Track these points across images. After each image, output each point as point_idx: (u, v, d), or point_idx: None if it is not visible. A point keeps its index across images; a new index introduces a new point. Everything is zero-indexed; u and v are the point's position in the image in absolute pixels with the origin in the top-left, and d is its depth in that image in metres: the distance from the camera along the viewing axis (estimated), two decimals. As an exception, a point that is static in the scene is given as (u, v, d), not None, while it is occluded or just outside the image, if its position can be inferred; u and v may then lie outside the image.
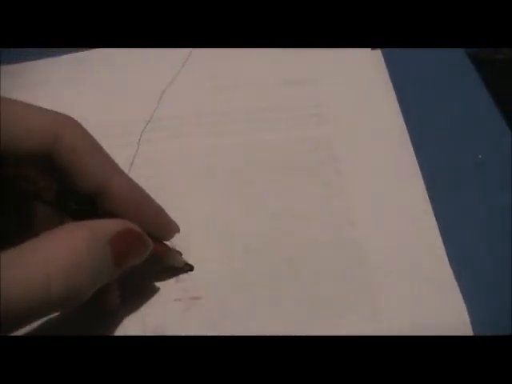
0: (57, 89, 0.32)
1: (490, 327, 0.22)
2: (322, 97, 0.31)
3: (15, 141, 0.18)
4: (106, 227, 0.19)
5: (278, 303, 0.23)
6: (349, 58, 0.32)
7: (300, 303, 0.23)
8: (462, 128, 0.29)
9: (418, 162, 0.27)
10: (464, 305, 0.23)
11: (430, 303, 0.23)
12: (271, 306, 0.23)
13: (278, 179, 0.27)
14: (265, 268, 0.24)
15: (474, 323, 0.22)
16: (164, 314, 0.23)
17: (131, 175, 0.21)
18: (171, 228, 0.23)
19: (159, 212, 0.22)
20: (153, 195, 0.22)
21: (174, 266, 0.24)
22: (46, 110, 0.19)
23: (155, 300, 0.23)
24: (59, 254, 0.17)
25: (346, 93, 0.31)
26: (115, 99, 0.31)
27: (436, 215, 0.25)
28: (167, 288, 0.24)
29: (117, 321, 0.23)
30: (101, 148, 0.20)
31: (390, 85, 0.30)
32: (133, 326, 0.23)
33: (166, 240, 0.23)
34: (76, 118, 0.20)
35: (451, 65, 0.31)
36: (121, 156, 0.20)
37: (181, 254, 0.24)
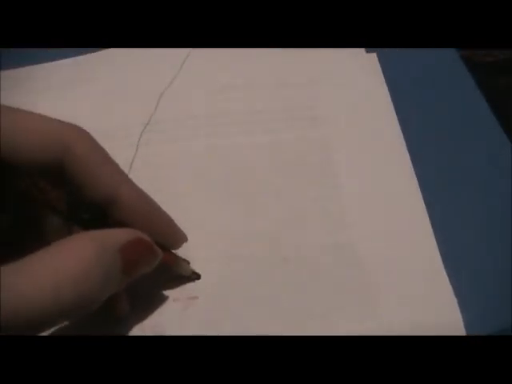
0: (56, 93, 0.32)
1: (483, 327, 0.22)
2: (318, 98, 0.31)
3: (27, 151, 0.18)
4: (116, 236, 0.19)
5: (276, 303, 0.23)
6: (343, 58, 0.32)
7: (296, 303, 0.23)
8: (455, 128, 0.29)
9: (413, 163, 0.27)
10: (457, 305, 0.23)
11: (423, 303, 0.23)
12: (269, 306, 0.23)
13: (276, 181, 0.27)
14: (262, 268, 0.24)
15: (466, 323, 0.22)
16: (162, 313, 0.23)
17: (130, 177, 0.21)
18: (179, 237, 0.23)
19: (168, 222, 0.22)
20: (152, 197, 0.22)
21: (182, 275, 0.24)
22: (57, 120, 0.19)
23: (155, 300, 0.24)
24: (69, 264, 0.17)
25: (341, 93, 0.31)
26: (114, 102, 0.32)
27: (430, 216, 0.25)
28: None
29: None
30: (111, 158, 0.20)
31: (384, 85, 0.31)
32: (131, 325, 0.23)
33: (174, 249, 0.23)
34: (75, 122, 0.20)
35: (445, 65, 0.32)
36: (120, 158, 0.20)
37: (188, 263, 0.24)
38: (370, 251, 0.25)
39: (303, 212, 0.26)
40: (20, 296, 0.15)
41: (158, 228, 0.21)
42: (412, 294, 0.23)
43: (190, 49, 0.33)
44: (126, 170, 0.20)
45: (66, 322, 0.19)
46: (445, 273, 0.24)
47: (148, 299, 0.24)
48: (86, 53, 0.34)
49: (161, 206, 0.22)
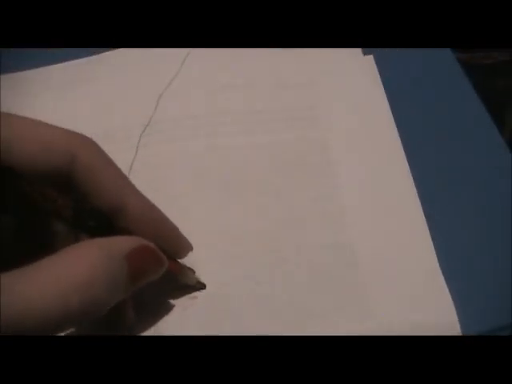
0: (55, 94, 0.32)
1: (479, 327, 0.22)
2: (316, 98, 0.31)
3: (33, 160, 0.18)
4: (122, 244, 0.19)
5: (274, 303, 0.23)
6: (341, 58, 0.32)
7: (295, 303, 0.23)
8: (452, 129, 0.29)
9: (409, 163, 0.28)
10: (453, 305, 0.23)
11: (420, 303, 0.23)
12: (268, 306, 0.23)
13: (275, 181, 0.28)
14: (261, 268, 0.24)
15: (462, 323, 0.22)
16: (167, 321, 0.23)
17: (130, 178, 0.21)
18: (185, 246, 0.23)
19: (173, 230, 0.22)
20: (152, 198, 0.22)
21: (187, 284, 0.24)
22: (63, 128, 0.19)
23: (160, 310, 0.24)
24: (76, 271, 0.17)
25: (339, 94, 0.31)
26: (113, 103, 0.32)
27: (427, 217, 0.26)
28: None
29: None
30: (116, 167, 0.20)
31: (381, 86, 0.31)
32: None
33: (179, 258, 0.23)
34: (74, 123, 0.20)
35: (441, 66, 0.32)
36: (120, 160, 0.20)
37: (194, 272, 0.24)
38: (368, 251, 0.25)
39: (302, 212, 0.26)
40: (27, 303, 0.15)
41: (164, 236, 0.22)
42: (409, 294, 0.23)
43: (190, 49, 0.33)
44: (125, 171, 0.20)
45: (71, 329, 0.19)
46: (441, 273, 0.24)
47: (153, 308, 0.24)
48: (84, 55, 0.35)
49: (161, 206, 0.22)
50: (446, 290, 0.23)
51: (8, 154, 0.17)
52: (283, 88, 0.32)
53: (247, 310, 0.23)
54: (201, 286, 0.24)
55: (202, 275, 0.24)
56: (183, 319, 0.23)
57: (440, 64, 0.32)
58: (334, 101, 0.31)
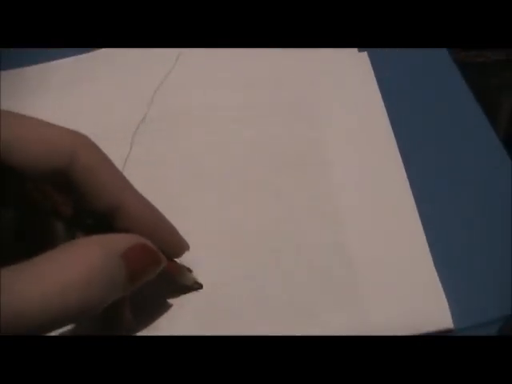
0: (51, 93, 0.33)
1: (471, 320, 0.23)
2: (311, 97, 0.31)
3: (31, 158, 0.18)
4: (120, 242, 0.19)
5: (268, 301, 0.24)
6: (336, 58, 0.33)
7: (289, 301, 0.24)
8: (446, 128, 0.29)
9: (404, 162, 0.28)
10: (445, 300, 0.23)
11: (413, 300, 0.23)
12: (261, 303, 0.24)
13: (271, 179, 0.28)
14: (256, 267, 0.25)
15: (455, 317, 0.23)
16: (165, 322, 0.23)
17: (125, 175, 0.21)
18: (181, 246, 0.23)
19: (171, 230, 0.22)
20: (146, 196, 0.22)
21: (184, 284, 0.24)
22: (62, 127, 0.19)
23: (157, 310, 0.24)
24: (74, 268, 0.17)
25: (333, 92, 0.31)
26: (107, 101, 0.32)
27: (421, 215, 0.26)
28: None
29: None
30: (115, 167, 0.21)
31: (374, 82, 0.31)
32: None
33: (176, 257, 0.23)
34: (69, 121, 0.20)
35: (436, 64, 0.32)
36: (114, 157, 0.21)
37: (191, 272, 0.24)
38: (363, 250, 0.25)
39: (299, 211, 0.27)
40: (26, 301, 0.15)
41: (161, 236, 0.22)
42: (402, 291, 0.24)
43: (187, 48, 0.34)
44: (119, 168, 0.21)
45: (68, 327, 0.19)
46: (434, 269, 0.24)
47: (150, 308, 0.24)
48: (79, 53, 0.35)
49: (155, 203, 0.22)
50: (441, 288, 0.23)
51: (8, 153, 0.18)
52: (279, 86, 0.32)
53: (246, 310, 0.23)
54: (198, 286, 0.24)
55: (198, 274, 0.24)
56: (181, 319, 0.23)
57: (435, 62, 0.32)
58: (329, 100, 0.31)
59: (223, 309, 0.24)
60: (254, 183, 0.28)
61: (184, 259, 0.24)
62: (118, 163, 0.20)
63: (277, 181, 0.28)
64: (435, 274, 0.24)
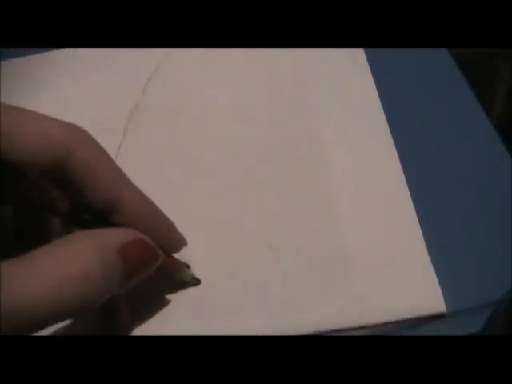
0: (41, 83, 0.32)
1: (463, 304, 0.23)
2: (305, 88, 0.31)
3: (27, 152, 0.18)
4: (116, 236, 0.19)
5: (262, 292, 0.24)
6: (333, 57, 0.32)
7: (282, 292, 0.24)
8: (443, 126, 0.29)
9: (397, 152, 0.28)
10: (438, 285, 0.23)
11: (405, 284, 0.23)
12: (255, 294, 0.24)
13: (264, 169, 0.28)
14: (249, 257, 0.25)
15: (447, 303, 0.23)
16: (163, 318, 0.23)
17: (118, 164, 0.21)
18: (179, 241, 0.23)
19: (168, 225, 0.22)
20: (139, 185, 0.21)
21: (182, 280, 0.24)
22: (59, 120, 0.19)
23: (155, 306, 0.24)
24: (70, 263, 0.17)
25: (326, 84, 0.31)
26: (100, 89, 0.32)
27: (415, 203, 0.26)
28: None
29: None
30: (113, 161, 0.20)
31: (369, 74, 0.31)
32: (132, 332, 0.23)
33: (173, 253, 0.23)
34: (63, 110, 0.20)
35: (435, 64, 0.32)
36: (107, 145, 0.20)
37: (189, 267, 0.24)
38: (357, 240, 0.25)
39: (290, 201, 0.27)
40: (21, 295, 0.15)
41: (159, 231, 0.21)
42: (395, 276, 0.24)
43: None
44: (112, 156, 0.20)
45: (65, 322, 0.19)
46: (427, 254, 0.24)
47: (147, 305, 0.24)
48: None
49: (147, 193, 0.22)
50: (433, 272, 0.24)
51: (3, 147, 0.17)
52: (271, 77, 0.32)
53: (243, 305, 0.23)
54: (196, 282, 0.24)
55: (194, 269, 0.24)
56: (178, 315, 0.23)
57: (434, 61, 0.32)
58: (322, 91, 0.31)
59: (220, 304, 0.24)
60: (244, 173, 0.28)
61: (180, 254, 0.24)
62: (109, 151, 0.20)
63: (269, 170, 0.28)
64: (428, 258, 0.24)
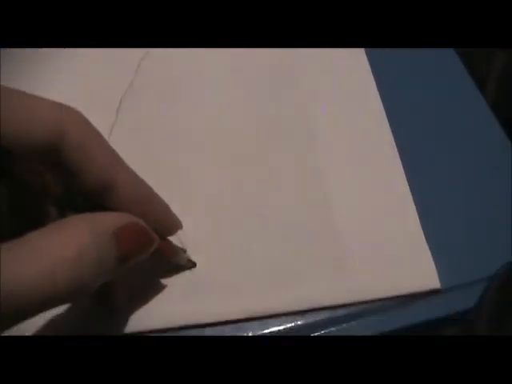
0: (36, 63, 0.32)
1: (456, 279, 0.23)
2: (299, 62, 0.31)
3: (22, 134, 0.17)
4: (111, 220, 0.18)
5: (250, 262, 0.24)
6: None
7: (271, 263, 0.24)
8: (446, 126, 0.29)
9: (391, 125, 0.28)
10: (432, 260, 0.24)
11: (400, 261, 0.24)
12: (243, 265, 0.24)
13: (254, 140, 0.28)
14: (238, 227, 0.25)
15: (441, 278, 0.23)
16: (159, 302, 0.23)
17: (111, 143, 0.20)
18: (174, 224, 0.23)
19: (164, 208, 0.22)
20: (132, 166, 0.21)
21: (177, 263, 0.24)
22: (53, 102, 0.19)
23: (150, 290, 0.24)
24: (64, 246, 0.16)
25: (321, 62, 0.31)
26: (93, 68, 0.31)
27: (408, 177, 0.26)
28: None
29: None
30: (107, 143, 0.20)
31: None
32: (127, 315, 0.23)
33: (168, 236, 0.23)
34: (53, 90, 0.19)
35: (437, 63, 0.31)
36: (100, 125, 0.20)
37: (185, 251, 0.24)
38: (345, 210, 0.25)
39: (280, 169, 0.27)
40: (14, 278, 0.15)
41: (154, 214, 0.21)
42: (390, 252, 0.24)
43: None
44: (105, 135, 0.20)
45: (59, 307, 0.19)
46: (421, 230, 0.24)
47: (143, 289, 0.23)
48: None
49: (141, 170, 0.21)
50: (427, 249, 0.24)
51: None
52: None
53: (221, 268, 0.24)
54: (192, 265, 0.24)
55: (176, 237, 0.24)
56: (171, 296, 0.23)
57: (436, 57, 0.31)
58: (314, 63, 0.31)
59: (210, 280, 0.24)
60: (235, 146, 0.28)
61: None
62: (103, 130, 0.20)
63: (259, 142, 0.28)
64: (422, 235, 0.24)
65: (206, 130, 0.28)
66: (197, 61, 0.31)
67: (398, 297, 0.23)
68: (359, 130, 0.28)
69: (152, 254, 0.20)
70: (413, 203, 0.25)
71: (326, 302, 0.23)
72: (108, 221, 0.18)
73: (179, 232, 0.23)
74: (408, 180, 0.26)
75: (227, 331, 0.23)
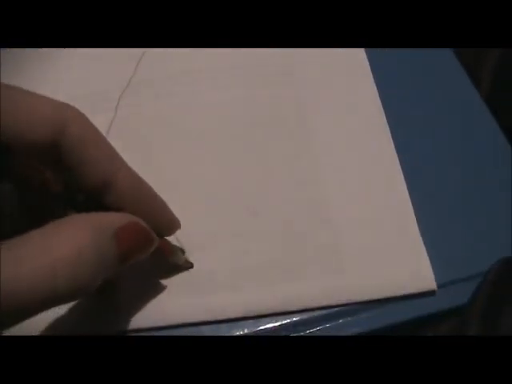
0: (35, 60, 0.32)
1: (452, 275, 0.24)
2: (293, 57, 0.31)
3: (23, 131, 0.17)
4: (112, 220, 0.18)
5: (246, 258, 0.24)
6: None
7: (268, 258, 0.24)
8: (444, 126, 0.29)
9: (387, 118, 0.28)
10: (427, 257, 0.24)
11: (394, 257, 0.24)
12: (239, 261, 0.24)
13: (251, 138, 0.28)
14: (233, 223, 0.25)
15: (436, 275, 0.23)
16: (156, 302, 0.23)
17: (109, 139, 0.20)
18: (173, 224, 0.23)
19: (163, 207, 0.22)
20: (130, 160, 0.21)
21: (175, 263, 0.23)
22: (53, 100, 0.19)
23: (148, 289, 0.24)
24: (64, 246, 0.16)
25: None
26: (92, 67, 0.31)
27: (404, 171, 0.26)
28: None
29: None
30: (106, 141, 0.20)
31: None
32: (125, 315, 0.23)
33: (167, 235, 0.23)
34: (56, 88, 0.19)
35: (436, 63, 0.32)
36: (99, 121, 0.20)
37: (183, 252, 0.24)
38: (342, 207, 0.25)
39: (277, 167, 0.27)
40: (14, 278, 0.15)
41: (153, 213, 0.21)
42: (386, 253, 0.24)
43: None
44: (104, 132, 0.20)
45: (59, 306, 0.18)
46: (416, 226, 0.25)
47: (141, 287, 0.23)
48: None
49: (139, 167, 0.21)
50: (424, 250, 0.24)
51: None
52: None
53: (222, 266, 0.24)
54: (189, 266, 0.24)
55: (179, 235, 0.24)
56: (169, 294, 0.23)
57: (434, 57, 0.32)
58: (309, 60, 0.31)
59: (208, 279, 0.24)
60: (233, 141, 0.28)
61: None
62: (101, 127, 0.20)
63: (256, 138, 0.28)
64: (419, 235, 0.24)
65: (204, 129, 0.28)
66: (196, 60, 0.31)
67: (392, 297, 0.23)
68: (357, 130, 0.28)
69: (151, 253, 0.20)
70: (410, 204, 0.25)
71: (323, 302, 0.23)
72: (108, 221, 0.18)
73: (177, 231, 0.23)
74: (405, 178, 0.26)
75: (223, 328, 0.23)
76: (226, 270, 0.24)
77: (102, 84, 0.30)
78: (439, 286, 0.23)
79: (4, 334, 0.16)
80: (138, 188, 0.21)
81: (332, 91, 0.29)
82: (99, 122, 0.20)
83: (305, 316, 0.23)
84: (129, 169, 0.20)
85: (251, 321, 0.23)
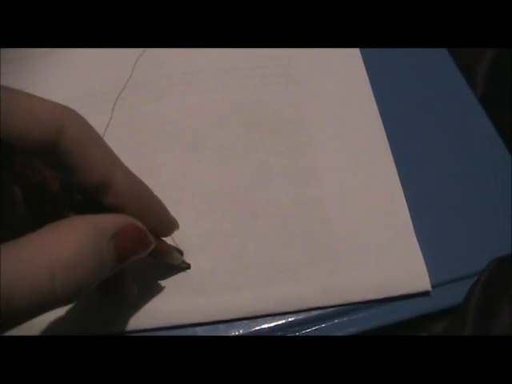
0: (33, 61, 0.32)
1: (446, 275, 0.24)
2: (291, 58, 0.31)
3: (22, 132, 0.18)
4: (110, 222, 0.19)
5: (244, 258, 0.24)
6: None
7: (265, 258, 0.24)
8: (440, 126, 0.29)
9: (384, 123, 0.28)
10: (422, 258, 0.24)
11: (390, 257, 0.24)
12: (237, 261, 0.24)
13: (248, 138, 0.28)
14: (231, 223, 0.25)
15: (431, 275, 0.24)
16: (153, 303, 0.23)
17: (106, 140, 0.20)
18: (171, 225, 0.23)
19: (161, 208, 0.22)
20: (127, 160, 0.21)
21: (171, 263, 0.24)
22: (51, 101, 0.19)
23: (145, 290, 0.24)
24: (63, 248, 0.17)
25: (315, 55, 0.31)
26: (89, 69, 0.31)
27: (399, 170, 0.27)
28: None
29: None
30: (104, 142, 0.20)
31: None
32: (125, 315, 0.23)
33: (165, 236, 0.23)
34: (53, 90, 0.19)
35: (432, 63, 0.32)
36: (96, 123, 0.20)
37: (181, 253, 0.24)
38: (339, 207, 0.25)
39: (274, 167, 0.27)
40: (15, 280, 0.15)
41: (151, 214, 0.21)
42: (381, 254, 0.24)
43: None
44: (100, 133, 0.20)
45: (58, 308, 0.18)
46: (412, 227, 0.25)
47: (139, 287, 0.23)
48: None
49: (136, 168, 0.21)
50: (418, 248, 0.24)
51: None
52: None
53: (216, 265, 0.24)
54: (186, 266, 0.24)
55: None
56: (166, 294, 0.24)
57: (430, 57, 0.32)
58: (308, 62, 0.31)
59: (205, 280, 0.24)
60: (231, 141, 0.28)
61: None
62: (98, 128, 0.20)
63: (253, 138, 0.28)
64: (414, 237, 0.25)
65: (201, 129, 0.28)
66: (193, 61, 0.31)
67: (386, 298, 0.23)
68: (353, 129, 0.28)
69: (148, 253, 0.21)
70: (406, 205, 0.25)
71: (318, 303, 0.23)
72: (107, 222, 0.18)
73: (175, 232, 0.23)
74: (400, 179, 0.26)
75: (219, 328, 0.23)
76: (223, 270, 0.24)
77: (100, 85, 0.30)
78: (433, 287, 0.24)
79: (4, 334, 0.16)
80: (136, 188, 0.21)
81: (327, 91, 0.30)
82: (96, 123, 0.20)
83: (300, 316, 0.23)
84: (126, 170, 0.21)
85: (247, 321, 0.23)
